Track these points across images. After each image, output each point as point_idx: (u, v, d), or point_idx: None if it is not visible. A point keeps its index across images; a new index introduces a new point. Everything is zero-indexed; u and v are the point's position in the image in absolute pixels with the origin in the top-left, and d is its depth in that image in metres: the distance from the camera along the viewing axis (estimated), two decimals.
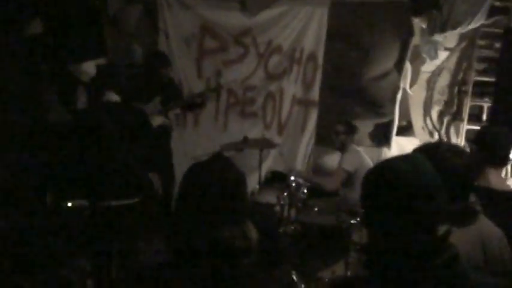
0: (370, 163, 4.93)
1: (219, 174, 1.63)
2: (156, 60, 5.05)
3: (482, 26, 6.18)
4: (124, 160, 3.73)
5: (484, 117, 6.53)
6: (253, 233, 1.64)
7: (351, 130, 5.07)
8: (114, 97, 3.75)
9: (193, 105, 5.24)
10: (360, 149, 5.17)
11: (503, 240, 2.01)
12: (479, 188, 2.50)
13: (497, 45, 6.23)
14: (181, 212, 1.63)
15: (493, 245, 1.95)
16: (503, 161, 2.65)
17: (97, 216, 3.60)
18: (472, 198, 2.33)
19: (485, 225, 2.01)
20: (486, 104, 6.47)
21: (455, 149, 2.01)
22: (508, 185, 2.66)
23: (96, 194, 3.61)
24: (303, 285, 3.91)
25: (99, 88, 3.78)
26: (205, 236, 1.56)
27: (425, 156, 1.93)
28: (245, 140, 4.86)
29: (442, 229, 1.40)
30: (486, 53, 6.44)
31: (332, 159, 5.04)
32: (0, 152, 4.35)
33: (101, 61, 5.04)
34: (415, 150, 2.06)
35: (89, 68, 4.87)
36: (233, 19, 5.68)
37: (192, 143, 5.45)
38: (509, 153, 2.65)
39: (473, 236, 1.92)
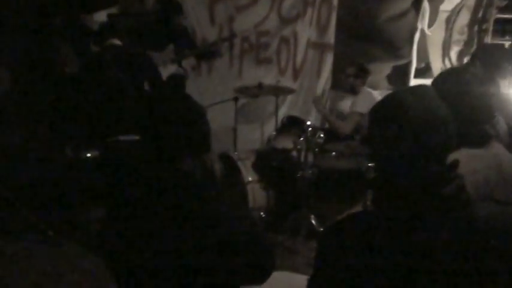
0: None
1: (176, 106, 1.64)
2: (169, 7, 4.98)
3: None
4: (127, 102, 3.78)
5: None
6: (215, 165, 1.66)
7: (362, 73, 4.97)
8: (116, 42, 3.78)
9: (207, 54, 5.18)
10: (376, 92, 5.09)
11: None
12: None
13: None
14: (143, 146, 1.65)
15: (508, 171, 1.90)
16: None
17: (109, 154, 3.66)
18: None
19: (500, 151, 1.97)
20: (507, 42, 6.30)
21: (481, 77, 1.96)
22: None
23: (105, 131, 3.67)
24: (321, 229, 3.96)
25: (104, 36, 3.79)
26: (165, 169, 1.58)
27: (446, 80, 1.92)
28: (260, 86, 4.82)
29: (450, 158, 1.39)
30: None
31: (347, 104, 4.98)
32: (18, 107, 4.38)
33: (113, 10, 4.98)
34: (440, 74, 2.03)
35: (101, 17, 4.83)
36: None
37: (206, 91, 5.41)
38: None
39: (489, 158, 1.90)
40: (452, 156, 1.41)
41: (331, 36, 6.09)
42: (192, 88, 5.32)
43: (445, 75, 2.05)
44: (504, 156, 1.96)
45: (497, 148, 1.98)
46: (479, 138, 1.93)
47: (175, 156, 1.59)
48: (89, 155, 3.89)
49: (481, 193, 1.73)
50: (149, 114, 1.64)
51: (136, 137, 3.68)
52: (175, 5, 5.02)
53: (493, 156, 1.92)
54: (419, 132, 1.33)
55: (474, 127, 1.92)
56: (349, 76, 4.94)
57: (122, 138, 3.63)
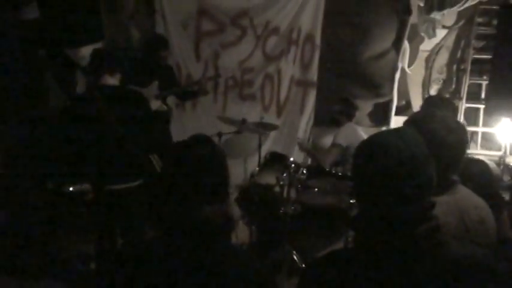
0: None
1: (198, 152, 1.64)
2: (154, 43, 5.04)
3: (480, 3, 6.16)
4: (124, 143, 3.74)
5: (483, 95, 6.53)
6: (233, 210, 1.68)
7: (348, 109, 5.06)
8: (110, 80, 3.75)
9: (192, 93, 5.23)
10: (359, 127, 5.18)
11: (484, 210, 2.00)
12: None
13: (496, 22, 6.21)
14: (163, 191, 1.65)
15: (471, 214, 1.94)
16: None
17: (100, 200, 3.62)
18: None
19: (464, 196, 1.99)
20: (484, 82, 6.46)
21: (450, 122, 1.98)
22: None
23: (98, 179, 3.62)
24: (303, 265, 3.96)
25: (96, 71, 3.77)
26: (186, 215, 1.58)
27: (416, 128, 1.95)
28: (243, 122, 4.87)
29: (426, 200, 1.44)
30: (484, 30, 6.42)
31: (329, 138, 5.05)
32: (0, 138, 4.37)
33: (99, 45, 5.02)
34: (408, 121, 2.06)
35: (87, 52, 4.85)
36: (230, 1, 5.65)
37: (190, 126, 5.46)
38: None
39: (449, 204, 1.91)
40: None
41: (314, 74, 6.21)
42: (177, 124, 5.37)
43: (413, 120, 2.06)
44: (468, 201, 1.98)
45: (461, 192, 1.99)
46: (444, 184, 1.94)
47: (194, 204, 1.59)
48: (71, 189, 3.87)
49: None
50: (165, 162, 1.65)
51: (137, 183, 3.70)
52: (161, 41, 5.09)
53: (456, 202, 1.94)
54: (400, 174, 1.37)
55: (441, 174, 1.96)
56: (336, 112, 5.02)
57: (121, 186, 3.62)
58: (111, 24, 5.36)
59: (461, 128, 2.01)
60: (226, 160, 1.70)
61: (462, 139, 1.96)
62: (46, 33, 4.80)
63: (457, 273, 1.37)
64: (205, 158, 1.62)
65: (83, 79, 4.92)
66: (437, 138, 1.90)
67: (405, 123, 2.06)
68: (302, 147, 5.22)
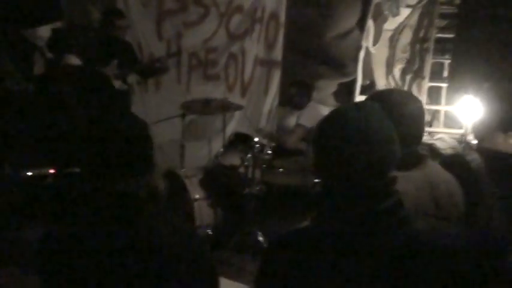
0: None
1: (118, 124, 1.59)
2: (109, 12, 4.92)
3: None
4: (86, 125, 3.66)
5: (445, 74, 6.61)
6: (159, 183, 1.64)
7: (305, 90, 5.07)
8: (74, 60, 3.65)
9: (153, 70, 5.13)
10: (322, 107, 5.18)
11: (452, 184, 2.01)
12: (483, 149, 2.51)
13: (458, 1, 6.27)
14: (85, 166, 1.61)
15: (441, 189, 1.95)
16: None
17: (61, 183, 3.55)
18: (475, 156, 2.35)
19: (433, 170, 2.01)
20: (447, 61, 6.54)
21: (408, 95, 2.00)
22: None
23: (59, 161, 3.55)
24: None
25: (58, 52, 3.66)
26: (108, 189, 1.54)
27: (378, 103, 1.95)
28: (207, 102, 4.81)
29: (388, 176, 1.42)
30: (447, 9, 6.48)
31: (292, 119, 5.05)
32: None
33: (57, 25, 4.87)
34: (368, 98, 2.06)
35: (45, 32, 4.71)
36: None
37: (154, 107, 5.35)
38: None
39: (420, 179, 1.93)
40: None
41: (278, 53, 6.15)
42: (139, 104, 5.27)
43: (372, 97, 2.06)
44: (437, 176, 2.00)
45: (431, 167, 2.01)
46: (412, 160, 1.96)
47: (116, 178, 1.55)
48: (30, 173, 3.77)
49: (413, 211, 1.78)
50: (87, 134, 1.60)
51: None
52: (115, 9, 4.97)
53: (426, 176, 1.95)
54: (361, 148, 1.35)
55: (406, 148, 1.96)
56: (293, 96, 5.02)
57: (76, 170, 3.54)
58: (69, 4, 5.20)
59: (417, 100, 2.02)
60: (148, 130, 1.65)
61: (421, 109, 1.98)
62: (1, 13, 4.64)
63: (419, 249, 1.36)
64: (123, 129, 1.58)
65: (41, 60, 4.79)
66: (398, 110, 1.90)
67: (367, 99, 2.05)
68: (262, 134, 5.19)
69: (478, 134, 2.64)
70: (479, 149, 2.51)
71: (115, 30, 4.83)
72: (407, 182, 1.88)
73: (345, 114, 1.40)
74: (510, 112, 2.53)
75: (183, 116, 4.86)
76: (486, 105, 2.59)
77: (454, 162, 2.06)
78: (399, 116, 1.89)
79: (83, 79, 3.73)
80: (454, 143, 6.10)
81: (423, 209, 1.87)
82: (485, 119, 2.58)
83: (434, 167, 2.03)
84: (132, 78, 4.97)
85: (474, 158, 2.32)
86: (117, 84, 4.62)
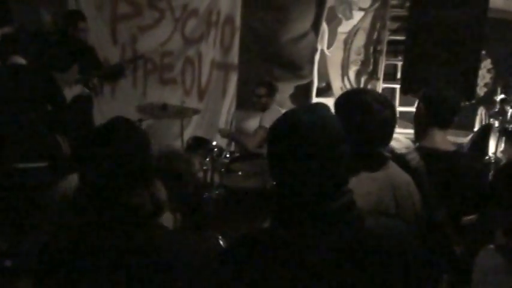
0: None
1: (121, 137, 1.57)
2: (70, 15, 4.84)
3: None
4: (29, 123, 3.62)
5: (399, 75, 6.75)
6: (162, 194, 1.63)
7: (271, 91, 5.09)
8: (19, 60, 3.60)
9: (113, 75, 5.07)
10: (283, 110, 5.21)
11: (411, 185, 2.07)
12: (423, 148, 2.58)
13: (408, 4, 6.42)
14: (86, 179, 1.57)
15: (402, 190, 2.01)
16: (449, 122, 2.66)
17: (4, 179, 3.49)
18: (414, 155, 2.41)
19: (395, 172, 2.06)
20: (400, 63, 6.69)
21: (378, 97, 2.03)
22: (452, 146, 2.73)
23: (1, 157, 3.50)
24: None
25: (4, 53, 3.60)
26: (113, 203, 1.52)
27: (347, 103, 1.98)
28: (164, 107, 4.77)
29: (350, 181, 1.46)
30: (398, 12, 6.63)
31: (254, 121, 5.06)
32: None
33: (7, 29, 4.76)
34: (338, 98, 2.08)
35: None
36: None
37: (110, 112, 5.27)
38: (455, 114, 2.69)
39: (383, 181, 1.98)
40: (352, 180, 1.47)
41: (235, 57, 6.18)
42: (95, 109, 5.19)
43: (345, 96, 2.10)
44: (399, 177, 2.06)
45: (392, 169, 2.06)
46: (377, 161, 2.02)
47: (123, 191, 1.52)
48: None
49: (375, 211, 1.82)
50: (84, 148, 1.56)
51: (44, 164, 3.55)
52: (77, 12, 4.90)
53: (389, 178, 2.00)
54: (311, 150, 1.37)
55: (372, 150, 2.00)
56: (260, 96, 5.02)
57: (26, 165, 3.48)
58: (19, 7, 5.08)
59: (388, 102, 2.06)
60: (150, 142, 1.64)
61: (390, 112, 2.01)
62: None
63: (370, 246, 1.40)
64: (126, 141, 1.56)
65: None
66: (366, 112, 1.94)
67: (338, 99, 2.07)
68: (223, 134, 5.20)
69: (417, 132, 2.73)
70: (418, 147, 2.59)
71: (77, 33, 4.75)
72: (371, 183, 1.93)
73: (295, 117, 1.43)
74: (444, 110, 2.64)
75: (140, 121, 4.81)
76: (423, 105, 2.70)
77: (394, 161, 2.12)
78: (367, 117, 1.93)
79: (28, 77, 3.69)
80: (408, 143, 6.22)
81: (385, 209, 1.92)
82: (422, 118, 2.68)
83: (395, 169, 2.08)
84: (91, 82, 4.90)
85: (413, 157, 2.40)
86: (79, 88, 4.56)
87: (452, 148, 2.69)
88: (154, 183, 1.62)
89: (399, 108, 6.60)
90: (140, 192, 1.55)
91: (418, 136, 2.73)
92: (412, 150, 2.49)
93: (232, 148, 5.26)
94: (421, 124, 2.70)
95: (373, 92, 2.07)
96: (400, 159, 2.31)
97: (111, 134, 1.58)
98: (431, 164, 2.41)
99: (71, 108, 4.48)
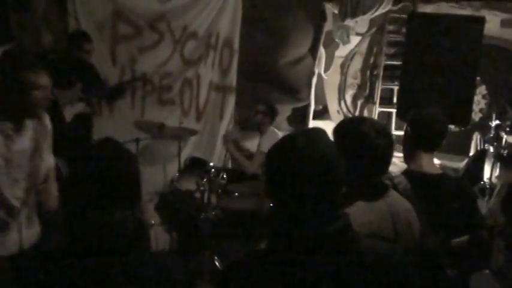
0: None
1: (104, 155, 1.59)
2: (77, 36, 4.87)
3: (391, 11, 6.44)
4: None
5: (395, 100, 6.82)
6: (145, 215, 1.65)
7: (271, 112, 5.11)
8: None
9: (115, 94, 5.10)
10: (280, 133, 5.24)
11: (411, 213, 2.08)
12: (410, 171, 2.60)
13: (405, 30, 6.51)
14: (71, 198, 1.59)
15: (401, 218, 2.02)
16: (435, 146, 2.67)
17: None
18: (401, 178, 2.43)
19: (394, 199, 2.08)
20: (396, 87, 6.75)
21: (376, 126, 2.04)
22: (438, 169, 2.75)
23: None
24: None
25: (7, 71, 3.58)
26: (96, 222, 1.53)
27: (346, 131, 1.99)
28: (162, 126, 4.79)
29: (348, 210, 1.48)
30: (395, 37, 6.72)
31: (252, 143, 5.08)
32: None
33: (7, 47, 4.78)
34: (337, 126, 2.10)
35: None
36: (147, 4, 5.54)
37: (108, 132, 5.28)
38: (442, 138, 2.69)
39: (383, 210, 2.00)
40: (351, 209, 1.51)
41: (233, 79, 6.23)
42: (94, 128, 5.20)
43: (344, 125, 2.11)
44: (398, 205, 2.06)
45: (392, 197, 2.08)
46: (376, 190, 2.03)
47: (105, 209, 1.54)
48: None
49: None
50: (73, 163, 1.58)
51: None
52: (83, 34, 4.93)
53: (388, 206, 2.02)
54: (308, 174, 1.40)
55: (370, 179, 2.02)
56: (257, 112, 5.04)
57: None
58: (20, 27, 5.11)
59: (387, 131, 2.07)
60: (137, 163, 1.64)
61: (388, 141, 2.03)
62: None
63: (368, 268, 1.41)
64: (112, 161, 1.57)
65: None
66: (365, 142, 1.96)
67: (336, 128, 2.09)
68: (227, 143, 5.18)
69: (404, 155, 2.76)
70: (405, 171, 2.62)
71: (82, 54, 4.79)
72: (371, 212, 1.95)
73: (292, 141, 1.45)
74: (429, 133, 2.67)
75: (137, 140, 4.83)
76: (410, 129, 2.73)
77: None
78: (363, 148, 1.95)
79: None
80: (404, 167, 6.26)
81: (384, 236, 1.93)
82: (408, 142, 2.71)
83: (395, 196, 2.10)
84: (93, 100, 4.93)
85: (401, 180, 2.42)
86: (80, 107, 4.57)
87: (438, 171, 2.71)
88: (138, 204, 1.63)
89: (395, 132, 6.65)
90: (122, 212, 1.56)
91: (406, 159, 2.76)
92: (399, 174, 2.51)
93: (230, 166, 5.25)
94: (408, 147, 2.73)
95: (371, 121, 2.07)
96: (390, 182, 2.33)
97: (99, 153, 1.60)
98: (417, 187, 2.43)
99: (72, 126, 4.48)
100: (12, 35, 4.95)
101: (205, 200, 4.14)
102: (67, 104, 4.48)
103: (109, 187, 1.54)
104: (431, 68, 5.96)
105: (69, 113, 4.48)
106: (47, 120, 3.00)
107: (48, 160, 3.03)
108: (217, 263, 4.03)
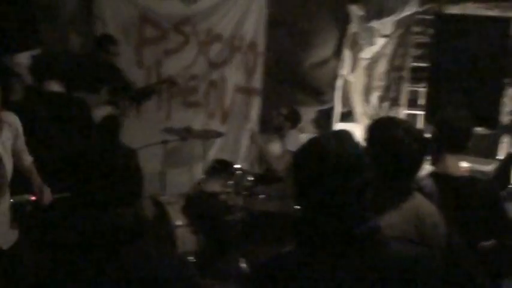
0: None
1: (106, 153, 1.59)
2: (103, 38, 4.95)
3: (417, 12, 6.36)
4: (62, 152, 3.63)
5: (421, 102, 6.73)
6: (149, 211, 1.66)
7: (293, 116, 5.10)
8: (55, 87, 3.61)
9: (142, 96, 5.16)
10: (303, 135, 5.22)
11: (436, 216, 2.05)
12: (436, 173, 2.57)
13: (431, 31, 6.43)
14: (71, 194, 1.60)
15: (426, 222, 2.00)
16: (461, 148, 2.65)
17: (40, 209, 3.49)
18: (427, 181, 2.40)
19: (419, 202, 2.05)
20: (422, 89, 6.68)
21: (409, 130, 2.01)
22: (465, 171, 2.71)
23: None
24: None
25: (39, 78, 3.62)
26: (94, 219, 1.53)
27: (378, 134, 1.97)
28: (188, 129, 4.82)
29: (365, 201, 1.46)
30: (421, 39, 6.64)
31: (276, 146, 5.07)
32: None
33: (36, 51, 4.86)
34: (370, 127, 2.09)
35: (24, 58, 4.68)
36: (172, 7, 5.60)
37: (134, 134, 5.34)
38: (468, 140, 2.66)
39: (407, 213, 1.98)
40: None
41: (258, 81, 6.25)
42: (121, 131, 5.25)
43: (375, 126, 2.10)
44: (424, 208, 2.04)
45: (417, 200, 2.06)
46: (402, 193, 2.02)
47: (105, 207, 1.54)
48: (11, 200, 3.72)
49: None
50: (77, 163, 1.59)
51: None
52: (108, 36, 5.00)
53: (413, 209, 2.00)
54: (336, 176, 1.39)
55: (397, 182, 2.00)
56: (280, 115, 5.03)
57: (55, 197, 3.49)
58: (48, 31, 5.19)
59: (420, 135, 2.05)
60: (137, 160, 1.64)
61: (422, 145, 2.00)
62: None
63: (396, 271, 1.40)
64: (110, 159, 1.57)
65: (19, 87, 4.75)
66: (398, 145, 1.94)
67: (368, 128, 2.07)
68: (255, 141, 5.18)
69: (432, 158, 2.72)
70: (431, 173, 2.58)
71: (108, 57, 4.86)
72: (396, 215, 1.93)
73: (320, 143, 1.45)
74: (455, 135, 2.63)
75: (164, 143, 4.87)
76: (436, 131, 2.70)
77: None
78: (395, 151, 1.93)
79: (62, 106, 3.70)
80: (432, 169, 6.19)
81: (408, 239, 1.90)
82: (435, 143, 2.68)
83: (419, 199, 2.07)
84: (121, 103, 4.98)
85: (426, 183, 2.39)
86: (108, 110, 4.63)
87: (465, 174, 2.67)
88: (138, 202, 1.63)
89: None
90: (122, 209, 1.56)
91: (433, 162, 2.72)
92: (426, 176, 2.48)
93: (256, 169, 5.26)
94: (435, 150, 2.70)
95: (404, 123, 2.05)
96: (416, 185, 2.31)
97: (99, 149, 1.61)
98: (443, 189, 2.40)
99: (99, 128, 4.54)
100: (41, 40, 5.03)
101: (231, 202, 4.15)
102: (95, 106, 4.53)
103: (109, 183, 1.54)
104: (459, 70, 5.89)
105: (97, 115, 4.53)
106: (11, 118, 2.97)
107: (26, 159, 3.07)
108: (242, 265, 4.03)
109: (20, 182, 3.51)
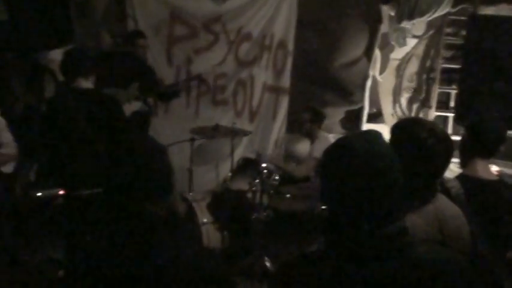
0: None
1: (138, 149, 1.63)
2: (131, 33, 5.02)
3: (449, 13, 6.29)
4: (94, 148, 3.67)
5: (452, 104, 6.65)
6: (179, 207, 1.68)
7: (318, 117, 5.09)
8: (84, 84, 3.66)
9: (171, 93, 5.21)
10: (331, 135, 5.21)
11: (459, 218, 2.03)
12: (464, 176, 2.54)
13: (464, 32, 6.34)
14: (106, 190, 1.63)
15: (449, 224, 1.97)
16: (492, 153, 2.62)
17: (70, 205, 3.55)
18: (454, 183, 2.38)
19: (443, 205, 2.03)
20: (453, 91, 6.59)
21: (435, 131, 1.98)
22: (494, 175, 2.67)
23: (68, 183, 3.56)
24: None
25: (70, 75, 3.68)
26: (130, 213, 1.57)
27: (404, 135, 1.96)
28: (216, 127, 4.85)
29: (393, 202, 1.44)
30: (453, 40, 6.55)
31: (303, 147, 5.08)
32: None
33: (69, 48, 4.95)
34: (394, 127, 2.07)
35: (56, 55, 4.76)
36: (202, 6, 5.63)
37: (163, 131, 5.40)
38: (500, 144, 2.64)
39: (430, 214, 1.95)
40: None
41: (286, 80, 6.24)
42: (149, 127, 5.32)
43: (400, 126, 2.07)
44: (446, 210, 2.02)
45: (440, 201, 2.03)
46: (425, 194, 1.99)
47: (139, 201, 1.58)
48: (39, 194, 3.79)
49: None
50: (112, 159, 1.63)
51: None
52: (137, 31, 5.07)
53: (436, 211, 1.98)
54: (365, 177, 1.38)
55: (422, 183, 1.97)
56: (304, 121, 5.04)
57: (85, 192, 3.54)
58: (81, 28, 5.29)
59: (445, 135, 2.03)
60: (168, 156, 1.67)
61: (445, 147, 1.98)
62: (14, 36, 4.72)
63: (424, 273, 1.38)
64: (144, 154, 1.61)
65: (52, 83, 4.84)
66: (421, 146, 1.92)
67: (392, 128, 2.06)
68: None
69: (461, 161, 2.69)
70: (459, 176, 2.54)
71: (136, 49, 4.92)
72: (418, 217, 1.91)
73: (349, 144, 1.44)
74: (486, 139, 2.59)
75: (192, 140, 4.90)
76: (467, 134, 2.66)
77: None
78: (419, 152, 1.91)
79: (92, 102, 3.76)
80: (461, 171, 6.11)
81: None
82: (466, 147, 2.64)
83: (443, 201, 2.05)
84: (150, 99, 5.04)
85: (454, 185, 2.36)
86: (137, 106, 4.68)
87: (494, 177, 2.63)
88: (170, 196, 1.66)
89: (452, 137, 6.49)
90: (155, 202, 1.59)
91: (462, 165, 2.69)
92: (453, 178, 2.45)
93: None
94: (465, 153, 2.67)
95: (429, 124, 2.02)
96: (440, 186, 2.28)
97: (131, 146, 1.65)
98: (471, 192, 2.37)
99: (129, 123, 4.59)
100: (74, 37, 5.13)
101: (257, 200, 4.16)
102: (125, 102, 4.59)
103: (139, 179, 1.57)
104: (491, 72, 5.79)
105: (126, 110, 4.59)
106: None
107: None
108: (267, 263, 4.04)
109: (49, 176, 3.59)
